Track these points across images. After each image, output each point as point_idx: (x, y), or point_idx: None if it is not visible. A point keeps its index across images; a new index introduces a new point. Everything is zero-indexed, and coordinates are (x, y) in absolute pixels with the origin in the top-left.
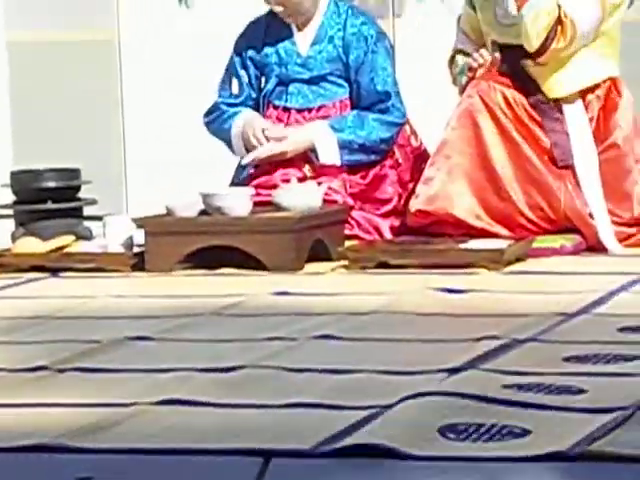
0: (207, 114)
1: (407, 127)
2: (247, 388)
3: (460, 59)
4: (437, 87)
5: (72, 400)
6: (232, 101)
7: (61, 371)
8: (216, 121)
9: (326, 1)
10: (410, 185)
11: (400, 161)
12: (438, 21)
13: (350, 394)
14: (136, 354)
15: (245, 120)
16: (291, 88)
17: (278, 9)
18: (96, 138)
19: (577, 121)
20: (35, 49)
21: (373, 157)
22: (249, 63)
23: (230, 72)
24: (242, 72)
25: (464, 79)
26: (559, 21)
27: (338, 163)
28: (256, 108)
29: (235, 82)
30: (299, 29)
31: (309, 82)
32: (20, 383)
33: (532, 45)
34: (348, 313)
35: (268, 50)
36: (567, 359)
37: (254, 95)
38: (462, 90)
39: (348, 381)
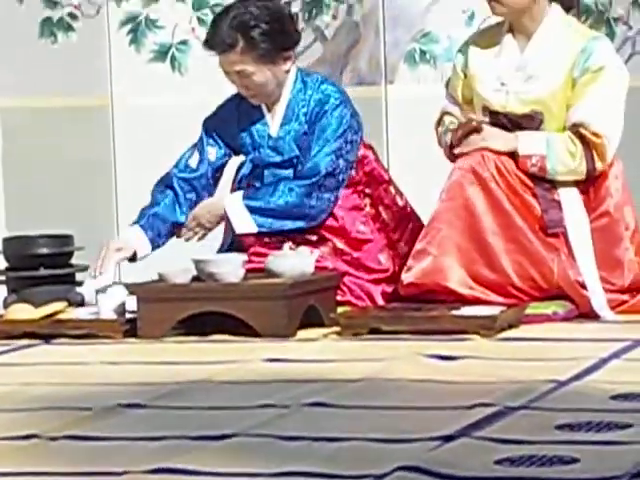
0: (157, 183)
1: (391, 188)
2: (239, 456)
3: (447, 120)
4: (429, 152)
5: (64, 469)
6: (186, 175)
7: (53, 439)
8: (153, 195)
9: (292, 78)
10: (400, 244)
11: (387, 221)
12: (430, 87)
13: (343, 462)
14: (128, 422)
15: (122, 237)
16: (266, 172)
17: (242, 91)
18: (88, 204)
19: (568, 190)
20: (27, 115)
21: (300, 223)
22: (221, 143)
23: (195, 147)
24: (209, 149)
25: (449, 136)
26: (587, 143)
27: (254, 230)
28: (210, 186)
29: (196, 156)
30: (269, 109)
31: (281, 166)
32: (11, 451)
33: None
34: (340, 380)
35: (241, 132)
36: (559, 427)
37: (213, 173)
38: (447, 150)
39: (341, 449)
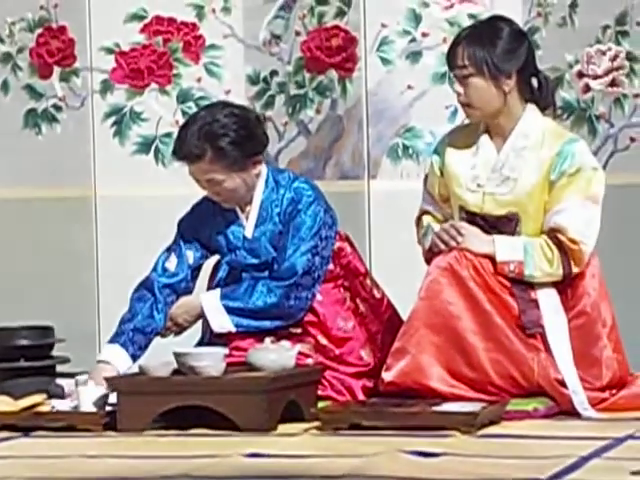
0: (136, 288)
1: (368, 280)
2: None
3: (425, 220)
4: (411, 247)
5: None
6: (166, 280)
7: None
8: (131, 303)
9: (263, 178)
10: (378, 336)
11: (365, 314)
12: (413, 182)
13: None
14: None
15: (105, 358)
16: (244, 275)
17: (214, 197)
18: (70, 295)
19: (545, 290)
20: (10, 205)
21: (278, 322)
22: (197, 245)
23: (172, 250)
24: (187, 252)
25: (427, 243)
26: (564, 249)
27: (232, 330)
28: (189, 288)
29: (174, 259)
30: (242, 209)
31: (258, 268)
32: None
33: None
34: (320, 476)
35: (216, 234)
36: None
37: (193, 275)
38: (425, 253)
39: None
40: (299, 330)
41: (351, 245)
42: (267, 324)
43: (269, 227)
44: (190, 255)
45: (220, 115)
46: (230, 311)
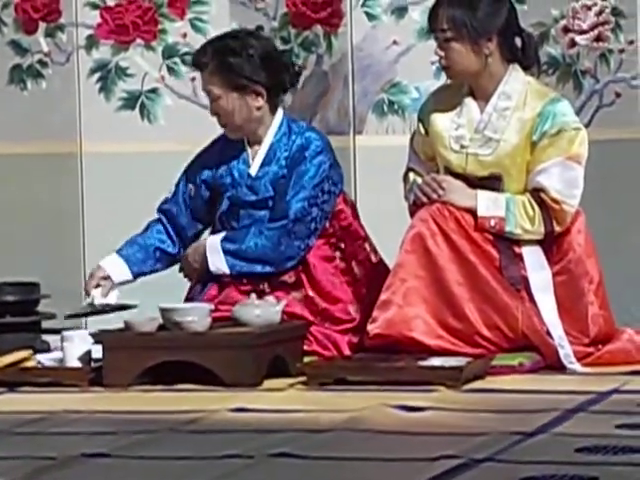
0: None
1: (367, 245)
2: None
3: (411, 177)
4: (396, 202)
5: None
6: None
7: None
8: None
9: (278, 121)
10: (369, 299)
11: (359, 277)
12: (399, 138)
13: None
14: (91, 472)
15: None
16: (242, 212)
17: (215, 117)
18: (55, 251)
19: (530, 245)
20: None
21: (269, 268)
22: (202, 186)
23: (191, 181)
24: (191, 186)
25: (412, 197)
26: (546, 208)
27: (227, 271)
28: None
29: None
30: (250, 146)
31: (255, 205)
32: None
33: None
34: (306, 430)
35: (223, 171)
36: None
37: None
38: (410, 207)
39: None
40: (293, 279)
41: (353, 211)
42: (258, 268)
43: (273, 168)
44: (192, 188)
45: (249, 36)
46: (226, 252)
